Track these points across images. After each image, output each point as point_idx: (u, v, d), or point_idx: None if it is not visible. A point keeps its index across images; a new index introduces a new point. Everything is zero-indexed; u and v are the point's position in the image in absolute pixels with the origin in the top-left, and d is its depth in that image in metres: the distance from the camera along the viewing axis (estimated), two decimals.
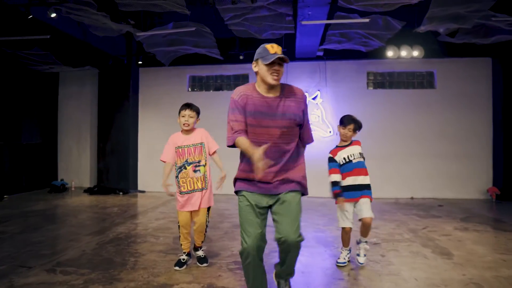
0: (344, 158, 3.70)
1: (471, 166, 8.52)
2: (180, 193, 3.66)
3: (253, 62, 2.54)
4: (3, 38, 6.81)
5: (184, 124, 3.62)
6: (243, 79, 9.55)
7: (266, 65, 2.42)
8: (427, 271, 3.59)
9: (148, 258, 4.07)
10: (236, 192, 2.63)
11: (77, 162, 10.14)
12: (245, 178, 2.58)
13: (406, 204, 7.79)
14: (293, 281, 3.46)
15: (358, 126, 3.77)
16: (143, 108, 9.85)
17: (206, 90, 9.80)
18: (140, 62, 9.12)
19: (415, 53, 7.96)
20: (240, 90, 2.55)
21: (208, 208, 3.78)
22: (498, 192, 8.08)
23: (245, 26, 6.37)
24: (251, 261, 2.44)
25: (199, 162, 3.64)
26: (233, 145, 2.49)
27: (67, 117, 10.18)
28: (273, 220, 2.54)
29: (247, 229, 2.46)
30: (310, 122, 2.75)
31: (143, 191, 9.61)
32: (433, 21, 5.61)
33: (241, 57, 8.55)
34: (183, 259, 3.76)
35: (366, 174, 3.71)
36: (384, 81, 9.11)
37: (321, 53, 8.58)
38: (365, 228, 3.71)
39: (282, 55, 2.39)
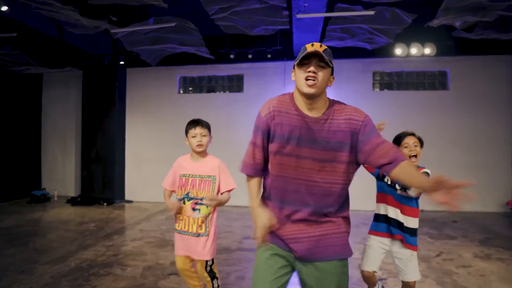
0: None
1: (488, 176, 7.69)
2: (175, 230, 2.89)
3: (292, 70, 1.83)
4: None
5: (197, 146, 2.80)
6: (237, 80, 8.81)
7: (299, 66, 1.73)
8: None
9: None
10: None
11: (62, 170, 9.49)
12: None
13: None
14: None
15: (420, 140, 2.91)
16: (130, 111, 9.16)
17: (198, 92, 9.08)
18: (122, 62, 8.43)
19: (427, 50, 7.16)
20: (271, 104, 1.83)
21: (208, 262, 2.85)
22: None
23: (233, 21, 5.63)
24: None
25: (201, 199, 2.79)
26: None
27: (51, 121, 9.53)
28: None
29: None
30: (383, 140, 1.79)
31: (130, 201, 8.92)
32: (448, 14, 4.82)
33: (231, 56, 7.82)
34: None
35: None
36: (391, 81, 8.31)
37: None
38: None
39: (317, 50, 1.68)
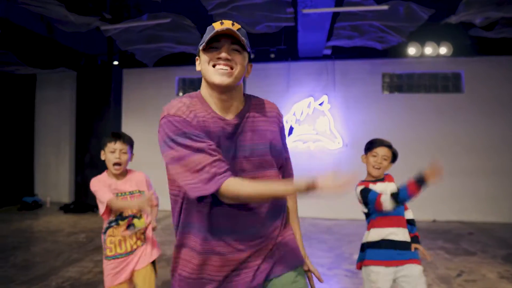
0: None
1: (504, 184, 7.21)
2: (106, 258, 2.43)
3: (196, 57, 1.41)
4: None
5: (114, 164, 2.46)
6: None
7: (206, 51, 1.31)
8: None
9: None
10: None
11: (55, 175, 9.09)
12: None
13: (429, 230, 6.53)
14: None
15: (394, 154, 2.49)
16: (126, 115, 8.75)
17: None
18: (116, 63, 8.02)
19: (442, 50, 6.72)
20: (181, 105, 1.34)
21: (153, 262, 2.52)
22: None
23: (233, 17, 5.20)
24: None
25: (136, 214, 2.49)
26: (215, 192, 1.27)
27: (45, 124, 9.15)
28: None
29: None
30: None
31: None
32: (471, 8, 4.39)
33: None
34: None
35: (405, 225, 2.42)
36: (402, 84, 7.86)
37: (328, 52, 7.38)
38: None
39: (229, 29, 1.27)
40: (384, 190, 2.32)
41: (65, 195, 8.98)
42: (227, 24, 1.30)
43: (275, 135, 1.43)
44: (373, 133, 7.61)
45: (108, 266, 2.40)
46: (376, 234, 2.35)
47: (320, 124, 7.64)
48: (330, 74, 7.78)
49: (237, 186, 1.25)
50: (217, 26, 1.30)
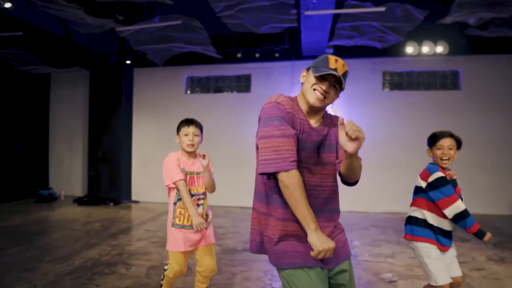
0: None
1: (500, 178, 7.50)
2: (173, 226, 2.76)
3: (304, 71, 1.76)
4: None
5: (188, 145, 2.77)
6: (245, 80, 8.73)
7: (315, 77, 1.65)
8: None
9: None
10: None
11: (69, 170, 9.49)
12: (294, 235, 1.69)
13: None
14: None
15: (458, 141, 2.68)
16: (137, 112, 9.13)
17: (205, 92, 9.02)
18: (128, 62, 8.39)
19: (439, 49, 7.00)
20: (286, 99, 1.70)
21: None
22: None
23: (240, 19, 5.55)
24: None
25: (202, 194, 2.82)
26: (273, 175, 1.60)
27: (59, 121, 9.55)
28: None
29: None
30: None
31: (137, 201, 8.88)
32: (463, 9, 4.69)
33: (239, 55, 7.74)
34: None
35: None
36: (402, 81, 8.16)
37: (330, 51, 7.69)
38: None
39: (339, 75, 1.60)
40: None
41: (78, 188, 9.38)
42: (339, 65, 1.62)
43: (335, 139, 1.77)
44: (374, 129, 7.98)
45: (173, 233, 2.74)
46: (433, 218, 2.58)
47: None
48: None
49: (292, 180, 1.53)
50: (332, 62, 1.63)
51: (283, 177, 1.54)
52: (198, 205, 2.74)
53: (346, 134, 1.49)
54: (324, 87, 1.63)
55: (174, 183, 2.66)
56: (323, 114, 1.78)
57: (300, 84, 1.81)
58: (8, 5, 5.09)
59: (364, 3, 5.13)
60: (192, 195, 2.72)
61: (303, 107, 1.73)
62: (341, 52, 7.75)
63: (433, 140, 2.66)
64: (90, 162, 8.98)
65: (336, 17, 5.84)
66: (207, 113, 8.60)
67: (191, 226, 2.69)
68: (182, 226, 2.72)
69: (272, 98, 1.69)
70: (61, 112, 9.50)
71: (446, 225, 2.57)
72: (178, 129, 2.82)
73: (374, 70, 8.06)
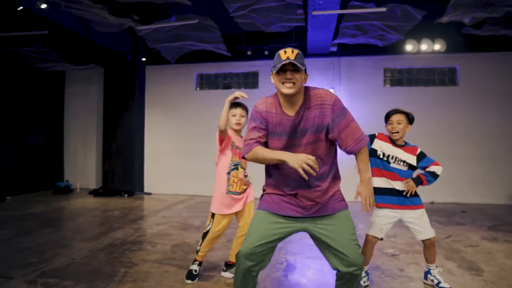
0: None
1: (496, 169, 7.90)
2: (228, 192, 3.23)
3: (271, 73, 2.19)
4: (2, 34, 6.57)
5: (236, 124, 3.25)
6: (252, 76, 9.14)
7: (277, 74, 2.09)
8: (454, 287, 3.11)
9: (140, 269, 3.69)
10: None
11: (83, 163, 9.90)
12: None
13: (426, 210, 7.20)
14: (310, 280, 3.04)
15: (408, 116, 3.17)
16: (149, 107, 9.54)
17: (215, 88, 9.43)
18: (143, 59, 8.79)
19: (437, 47, 7.39)
20: (263, 101, 2.25)
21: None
22: None
23: (251, 18, 5.95)
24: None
25: (245, 170, 3.35)
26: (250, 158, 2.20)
27: (73, 117, 9.95)
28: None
29: None
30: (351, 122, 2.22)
31: (149, 193, 9.29)
32: (457, 9, 5.09)
33: (248, 53, 8.14)
34: (196, 271, 3.36)
35: None
36: (402, 78, 8.57)
37: (334, 49, 8.11)
38: None
39: (291, 60, 2.02)
40: (398, 155, 3.06)
41: (92, 181, 9.79)
42: (289, 53, 2.05)
43: (321, 118, 2.14)
44: (376, 123, 8.38)
45: (224, 199, 3.21)
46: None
47: None
48: (336, 70, 8.52)
49: (253, 153, 2.14)
50: (282, 55, 2.06)
51: (247, 158, 2.18)
52: (246, 176, 3.27)
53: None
54: (287, 76, 2.05)
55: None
56: (302, 101, 2.15)
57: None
58: (43, 6, 5.48)
59: (366, 4, 5.54)
60: (242, 168, 3.27)
61: (282, 101, 2.16)
62: (344, 50, 8.18)
63: (386, 117, 3.20)
64: (104, 156, 9.39)
65: (340, 17, 6.24)
66: (216, 108, 8.95)
67: (239, 192, 3.22)
68: (233, 193, 3.21)
69: (258, 101, 2.24)
70: (75, 108, 9.90)
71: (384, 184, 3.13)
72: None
73: (375, 67, 8.47)
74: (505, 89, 7.90)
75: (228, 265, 3.48)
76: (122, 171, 9.16)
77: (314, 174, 1.96)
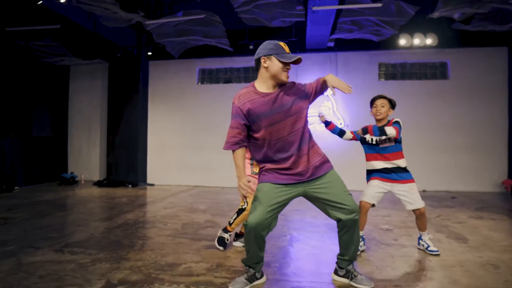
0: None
1: (485, 158, 8.31)
2: (252, 173, 3.65)
3: (263, 57, 2.52)
4: (14, 28, 6.85)
5: None
6: (252, 71, 9.47)
7: (283, 62, 2.45)
8: (442, 254, 3.47)
9: (156, 241, 4.02)
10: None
11: (87, 156, 10.17)
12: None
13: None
14: (304, 261, 3.39)
15: (390, 101, 3.59)
16: (152, 101, 9.84)
17: (216, 83, 9.75)
18: (149, 53, 9.09)
19: (429, 41, 7.77)
20: (241, 96, 2.57)
21: None
22: None
23: (255, 14, 6.29)
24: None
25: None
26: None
27: (77, 111, 10.22)
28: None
29: None
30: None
31: (152, 184, 9.59)
32: (448, 5, 5.46)
33: (251, 47, 8.47)
34: (227, 239, 3.72)
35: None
36: (396, 72, 8.95)
37: (332, 44, 8.46)
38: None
39: (301, 57, 2.46)
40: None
41: (96, 173, 10.06)
42: (287, 48, 2.52)
43: (295, 97, 2.55)
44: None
45: (251, 179, 3.52)
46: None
47: (325, 107, 8.76)
48: (333, 64, 8.88)
49: (235, 155, 2.61)
50: (287, 48, 2.52)
51: (233, 155, 2.65)
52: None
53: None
54: (288, 67, 2.51)
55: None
56: (279, 85, 2.56)
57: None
58: (63, 0, 5.77)
59: (363, 0, 5.90)
60: None
61: (266, 85, 2.52)
62: (341, 45, 8.54)
63: (371, 102, 3.65)
64: (108, 148, 9.67)
65: (338, 12, 6.59)
66: (218, 102, 9.33)
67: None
68: (256, 173, 3.55)
69: (234, 97, 2.62)
70: (79, 102, 10.16)
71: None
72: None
73: (371, 62, 8.84)
74: (492, 82, 8.31)
75: (239, 235, 3.82)
76: (126, 163, 9.45)
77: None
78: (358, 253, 3.37)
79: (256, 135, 2.57)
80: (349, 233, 2.53)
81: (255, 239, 2.52)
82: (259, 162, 2.68)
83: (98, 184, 9.22)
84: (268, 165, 2.61)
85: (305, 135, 2.58)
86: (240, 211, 3.65)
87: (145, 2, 6.86)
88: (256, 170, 3.58)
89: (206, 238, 4.14)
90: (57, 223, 4.88)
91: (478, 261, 3.24)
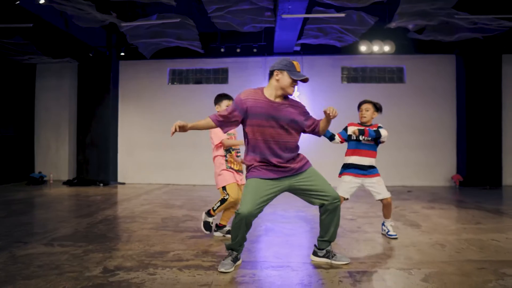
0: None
1: (437, 155, 9.13)
2: (227, 167, 3.94)
3: (277, 71, 2.90)
4: None
5: None
6: (222, 72, 9.80)
7: (292, 79, 2.85)
8: (399, 237, 3.99)
9: (141, 233, 4.28)
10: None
11: (56, 155, 10.08)
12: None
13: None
14: (280, 246, 3.79)
15: (375, 105, 4.05)
16: (123, 101, 9.92)
17: (186, 83, 9.98)
18: (122, 54, 9.19)
19: (386, 48, 8.47)
20: (248, 93, 2.94)
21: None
22: (461, 179, 8.72)
23: (227, 19, 6.64)
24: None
25: (238, 149, 4.04)
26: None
27: (44, 110, 10.10)
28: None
29: None
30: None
31: (123, 183, 9.68)
32: (403, 17, 6.08)
33: (222, 50, 8.80)
34: (212, 223, 4.05)
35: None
36: (357, 75, 9.60)
37: (298, 48, 8.96)
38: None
39: (308, 77, 2.89)
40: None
41: (65, 173, 10.00)
42: (299, 67, 2.94)
43: (294, 115, 2.94)
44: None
45: (227, 172, 3.89)
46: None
47: None
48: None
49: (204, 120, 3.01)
50: (298, 67, 2.91)
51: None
52: (238, 156, 3.98)
53: (327, 113, 2.84)
54: (296, 83, 2.91)
55: (221, 141, 3.92)
56: (284, 98, 2.95)
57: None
58: (42, 1, 5.81)
59: (328, 9, 6.41)
60: (233, 149, 3.97)
61: (273, 93, 2.88)
62: (307, 49, 9.05)
63: (358, 106, 4.15)
64: (78, 147, 9.65)
65: (305, 20, 7.08)
66: (188, 102, 9.59)
67: (237, 170, 3.94)
68: (232, 168, 3.91)
69: (242, 92, 2.97)
70: (47, 101, 10.05)
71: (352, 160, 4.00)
72: (220, 100, 3.95)
73: (334, 65, 9.44)
74: (443, 86, 9.16)
75: (219, 227, 4.16)
76: (97, 162, 9.48)
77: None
78: None
79: (248, 131, 2.94)
80: (330, 216, 2.97)
81: (246, 225, 2.91)
82: (250, 159, 2.99)
83: (69, 183, 9.20)
84: (258, 163, 2.95)
85: (292, 144, 2.98)
86: (223, 200, 3.94)
87: (120, 4, 7.00)
88: (231, 165, 3.92)
89: (187, 230, 4.44)
90: (38, 220, 5.00)
91: (428, 242, 3.78)
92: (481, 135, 8.73)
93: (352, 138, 4.00)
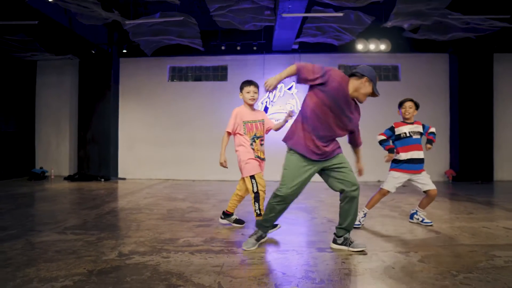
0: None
1: (431, 151, 9.04)
2: (256, 157, 3.88)
3: (367, 78, 3.02)
4: None
5: (250, 99, 3.87)
6: (222, 70, 9.98)
7: (372, 92, 3.10)
8: (396, 226, 4.22)
9: (149, 223, 4.46)
10: None
11: (56, 151, 10.19)
12: None
13: (374, 186, 8.50)
14: (284, 234, 3.99)
15: (416, 104, 4.31)
16: (123, 97, 10.06)
17: (186, 80, 10.14)
18: (124, 51, 9.33)
19: (382, 46, 8.70)
20: (340, 75, 3.05)
21: None
22: (454, 174, 8.98)
23: (228, 18, 6.81)
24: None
25: (262, 137, 3.98)
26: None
27: (45, 106, 10.21)
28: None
29: None
30: None
31: (123, 178, 9.83)
32: (399, 17, 6.30)
33: (223, 48, 8.97)
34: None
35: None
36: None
37: (296, 46, 9.15)
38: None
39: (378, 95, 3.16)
40: (412, 129, 4.22)
41: (66, 169, 10.12)
42: None
43: (355, 118, 3.20)
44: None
45: (255, 162, 3.86)
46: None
47: (289, 104, 9.46)
48: None
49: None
50: (377, 80, 3.13)
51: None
52: (262, 144, 3.96)
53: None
54: (371, 96, 3.12)
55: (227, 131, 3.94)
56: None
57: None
58: None
59: (327, 9, 6.61)
60: (257, 137, 3.92)
61: (353, 91, 3.02)
62: (305, 47, 9.25)
63: (400, 104, 4.40)
64: (79, 143, 9.78)
65: (304, 19, 7.27)
66: (188, 99, 9.76)
67: (262, 158, 3.93)
68: (259, 157, 3.90)
69: None
70: (48, 98, 10.16)
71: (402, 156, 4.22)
72: (241, 88, 3.96)
73: (331, 63, 9.63)
74: (437, 84, 9.41)
75: (226, 214, 4.33)
76: (98, 157, 9.62)
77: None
78: (360, 226, 4.17)
79: (314, 102, 3.04)
80: (349, 203, 3.16)
81: (285, 205, 3.23)
82: (300, 129, 3.14)
83: (70, 178, 9.33)
84: (304, 140, 3.11)
85: (336, 137, 3.22)
86: (257, 196, 3.79)
87: (121, 1, 7.14)
88: (258, 154, 3.90)
89: (193, 220, 4.63)
90: (46, 212, 5.14)
91: (424, 229, 4.01)
92: (474, 131, 9.01)
93: (402, 137, 4.24)
